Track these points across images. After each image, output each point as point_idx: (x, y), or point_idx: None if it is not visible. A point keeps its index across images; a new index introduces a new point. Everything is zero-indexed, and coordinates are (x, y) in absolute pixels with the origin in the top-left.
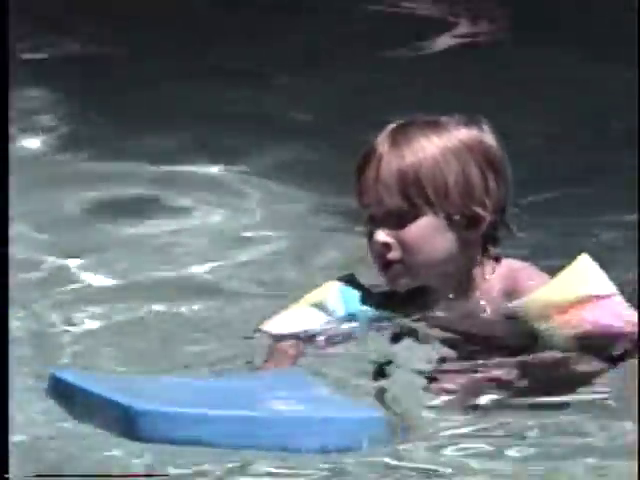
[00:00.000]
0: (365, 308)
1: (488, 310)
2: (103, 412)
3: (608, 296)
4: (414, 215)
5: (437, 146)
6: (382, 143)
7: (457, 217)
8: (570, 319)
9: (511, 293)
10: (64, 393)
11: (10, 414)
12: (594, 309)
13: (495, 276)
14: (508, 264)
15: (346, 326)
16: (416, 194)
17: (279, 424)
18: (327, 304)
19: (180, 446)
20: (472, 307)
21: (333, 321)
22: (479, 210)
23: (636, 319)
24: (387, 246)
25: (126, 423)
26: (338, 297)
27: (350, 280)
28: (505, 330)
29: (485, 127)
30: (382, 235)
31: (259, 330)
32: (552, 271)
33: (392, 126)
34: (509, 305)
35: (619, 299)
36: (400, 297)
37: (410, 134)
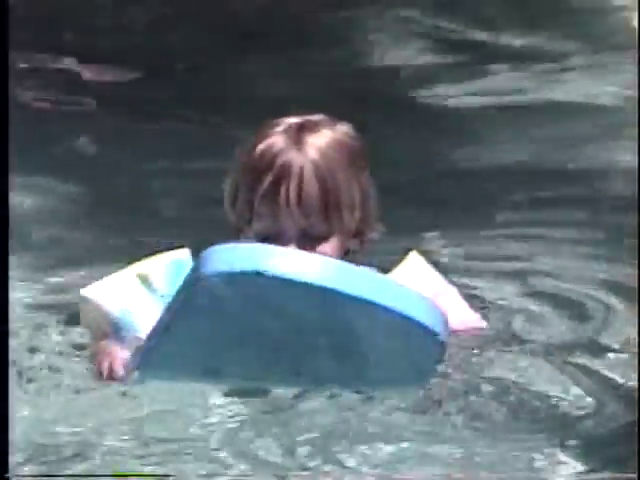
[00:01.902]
0: None
1: None
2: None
3: (445, 292)
4: (327, 235)
5: (342, 160)
6: (293, 156)
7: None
8: None
9: None
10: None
11: (10, 414)
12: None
13: None
14: None
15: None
16: (336, 218)
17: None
18: (151, 280)
19: None
20: None
21: (152, 300)
22: (370, 223)
23: (472, 314)
24: None
25: None
26: (164, 274)
27: (182, 256)
28: None
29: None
30: None
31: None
32: None
33: (291, 131)
34: None
35: (456, 294)
36: None
37: (318, 144)
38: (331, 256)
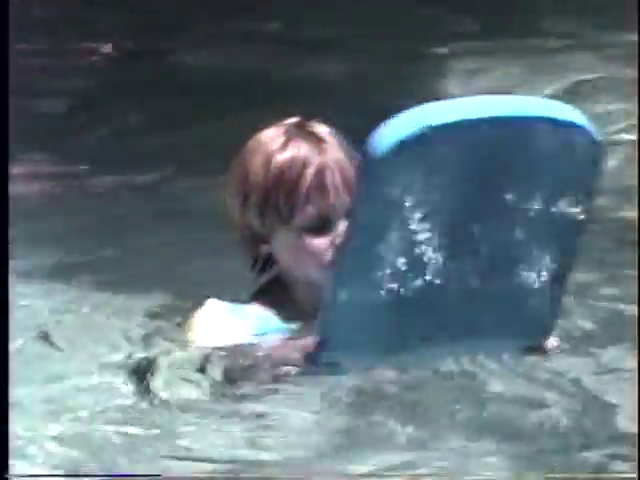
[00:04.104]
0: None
1: None
2: None
3: None
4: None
5: (346, 150)
6: (323, 151)
7: None
8: None
9: None
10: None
11: (10, 413)
12: None
13: None
14: None
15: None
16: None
17: None
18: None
19: None
20: None
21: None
22: None
23: None
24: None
25: None
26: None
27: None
28: None
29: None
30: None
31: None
32: None
33: (298, 132)
34: None
35: None
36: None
37: (329, 139)
38: None
